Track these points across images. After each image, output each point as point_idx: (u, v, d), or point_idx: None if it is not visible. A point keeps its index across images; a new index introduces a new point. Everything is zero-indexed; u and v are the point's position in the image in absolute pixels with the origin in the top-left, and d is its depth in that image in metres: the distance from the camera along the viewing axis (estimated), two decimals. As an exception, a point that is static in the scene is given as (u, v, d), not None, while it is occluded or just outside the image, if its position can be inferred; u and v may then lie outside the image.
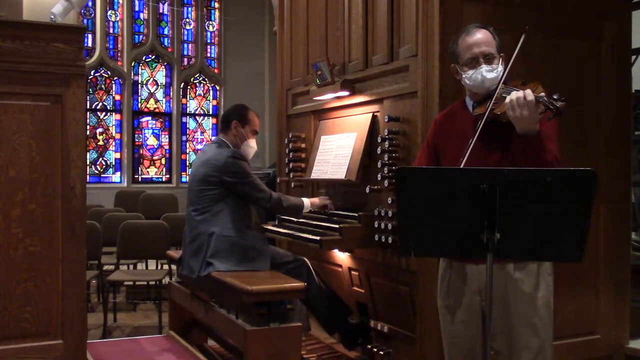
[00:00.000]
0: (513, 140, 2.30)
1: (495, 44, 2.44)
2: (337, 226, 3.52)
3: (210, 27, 12.15)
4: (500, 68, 2.42)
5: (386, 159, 3.39)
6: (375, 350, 3.62)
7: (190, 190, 3.84)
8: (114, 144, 11.25)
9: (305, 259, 3.84)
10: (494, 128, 2.33)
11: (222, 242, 3.65)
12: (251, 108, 4.04)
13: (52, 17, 4.74)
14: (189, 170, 11.44)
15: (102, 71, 11.15)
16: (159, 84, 11.69)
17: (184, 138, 11.84)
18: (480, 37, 2.43)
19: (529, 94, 2.20)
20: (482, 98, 2.45)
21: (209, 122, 12.13)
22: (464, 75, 2.46)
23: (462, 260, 2.40)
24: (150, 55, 11.62)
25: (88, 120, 10.71)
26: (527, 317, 2.36)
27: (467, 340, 2.42)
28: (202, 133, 12.06)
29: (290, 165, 4.38)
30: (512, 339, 2.37)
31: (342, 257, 3.91)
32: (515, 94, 2.23)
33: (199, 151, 11.32)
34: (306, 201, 3.90)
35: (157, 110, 11.67)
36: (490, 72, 2.40)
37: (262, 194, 3.76)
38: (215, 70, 12.10)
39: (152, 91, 11.62)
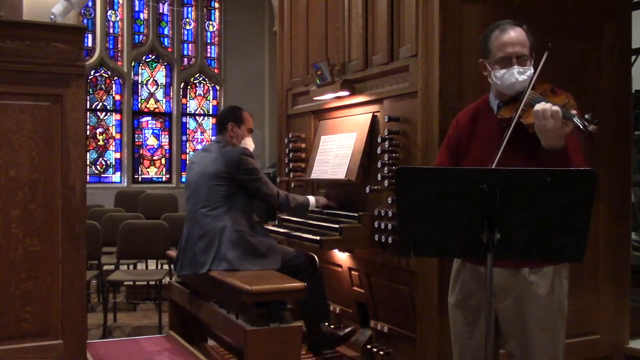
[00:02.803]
0: (539, 148, 2.25)
1: (529, 44, 2.38)
2: (337, 226, 3.52)
3: (210, 27, 12.15)
4: (531, 70, 2.36)
5: (386, 159, 3.39)
6: (375, 350, 3.62)
7: (199, 188, 3.82)
8: (114, 144, 11.25)
9: (314, 255, 3.85)
10: (520, 132, 2.28)
11: (235, 236, 3.65)
12: (244, 108, 4.09)
13: (52, 17, 4.72)
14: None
15: (102, 71, 11.15)
16: (159, 84, 11.69)
17: (184, 138, 11.84)
18: (514, 36, 2.36)
19: (557, 108, 2.15)
20: (508, 99, 2.40)
21: (209, 122, 12.12)
22: (493, 74, 2.39)
23: (476, 262, 2.38)
24: (150, 55, 11.62)
25: (88, 120, 10.70)
26: (542, 320, 2.35)
27: (478, 341, 2.40)
28: (202, 133, 12.06)
29: (290, 165, 4.38)
30: (526, 342, 2.35)
31: (342, 257, 3.91)
32: (542, 105, 2.17)
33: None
34: (312, 199, 3.92)
35: (157, 110, 11.66)
36: (522, 75, 2.34)
37: (271, 192, 3.81)
38: (215, 70, 12.10)
39: (152, 91, 11.62)
